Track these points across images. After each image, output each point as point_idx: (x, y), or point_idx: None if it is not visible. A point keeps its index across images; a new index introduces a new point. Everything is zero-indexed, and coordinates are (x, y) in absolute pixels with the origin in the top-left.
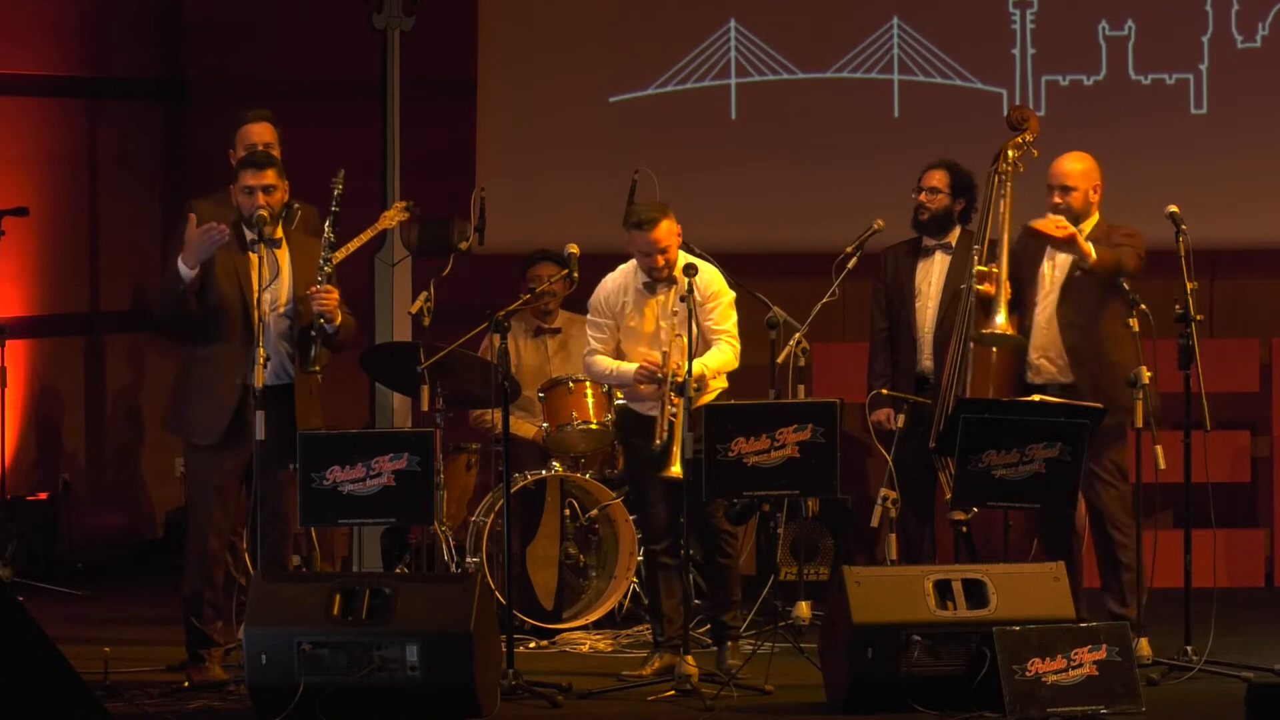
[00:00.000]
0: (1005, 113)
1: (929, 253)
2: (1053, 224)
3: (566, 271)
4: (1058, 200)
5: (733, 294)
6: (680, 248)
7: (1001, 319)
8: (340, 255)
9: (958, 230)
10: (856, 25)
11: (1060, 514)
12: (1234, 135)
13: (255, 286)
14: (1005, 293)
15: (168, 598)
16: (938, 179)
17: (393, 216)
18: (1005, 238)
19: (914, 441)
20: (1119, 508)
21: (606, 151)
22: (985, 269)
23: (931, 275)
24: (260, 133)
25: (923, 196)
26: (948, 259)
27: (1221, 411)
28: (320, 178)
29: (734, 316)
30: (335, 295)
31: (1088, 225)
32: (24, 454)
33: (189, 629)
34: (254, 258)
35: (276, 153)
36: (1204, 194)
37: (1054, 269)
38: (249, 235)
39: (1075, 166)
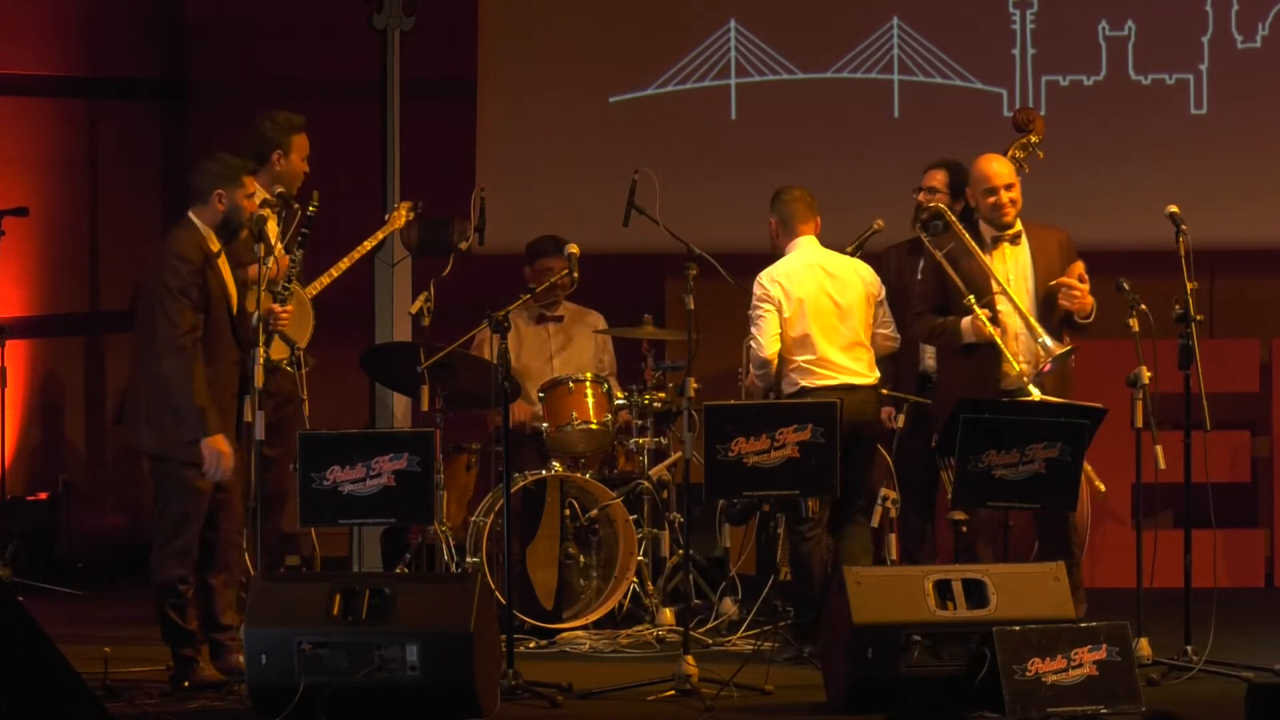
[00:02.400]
0: (1010, 114)
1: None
2: (1076, 294)
3: (567, 271)
4: (1007, 199)
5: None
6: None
7: (1050, 341)
8: (345, 264)
9: None
10: (856, 25)
11: (1060, 513)
12: (1234, 135)
13: (231, 290)
14: (1027, 318)
15: None
16: (938, 179)
17: (401, 217)
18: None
19: (915, 441)
20: None
21: (606, 151)
22: (983, 313)
23: None
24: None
25: (921, 196)
26: None
27: (1221, 411)
28: (320, 178)
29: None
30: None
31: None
32: (24, 454)
33: (169, 624)
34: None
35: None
36: (1204, 194)
37: (1012, 274)
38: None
39: (1009, 167)
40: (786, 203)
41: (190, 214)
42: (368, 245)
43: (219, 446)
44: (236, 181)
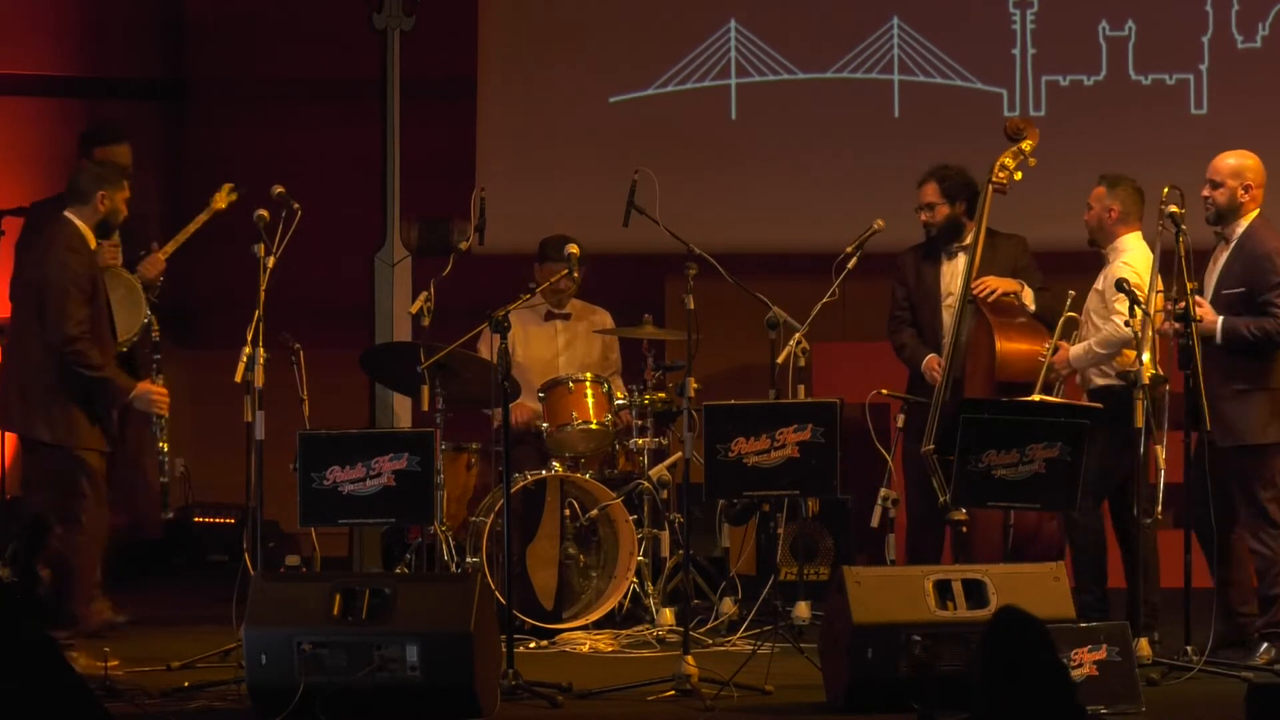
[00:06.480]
0: (1008, 118)
1: (952, 255)
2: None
3: (567, 271)
4: (1204, 194)
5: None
6: None
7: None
8: (171, 247)
9: (972, 227)
10: (856, 25)
11: (1063, 513)
12: (1234, 135)
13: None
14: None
15: (168, 598)
16: (929, 193)
17: (221, 199)
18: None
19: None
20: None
21: (606, 151)
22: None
23: (959, 277)
24: (127, 153)
25: (922, 215)
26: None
27: None
28: (321, 178)
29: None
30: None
31: (1245, 220)
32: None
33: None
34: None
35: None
36: None
37: (1212, 277)
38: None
39: (1225, 164)
40: (1134, 193)
41: (68, 213)
42: (187, 232)
43: (148, 388)
44: (119, 184)
